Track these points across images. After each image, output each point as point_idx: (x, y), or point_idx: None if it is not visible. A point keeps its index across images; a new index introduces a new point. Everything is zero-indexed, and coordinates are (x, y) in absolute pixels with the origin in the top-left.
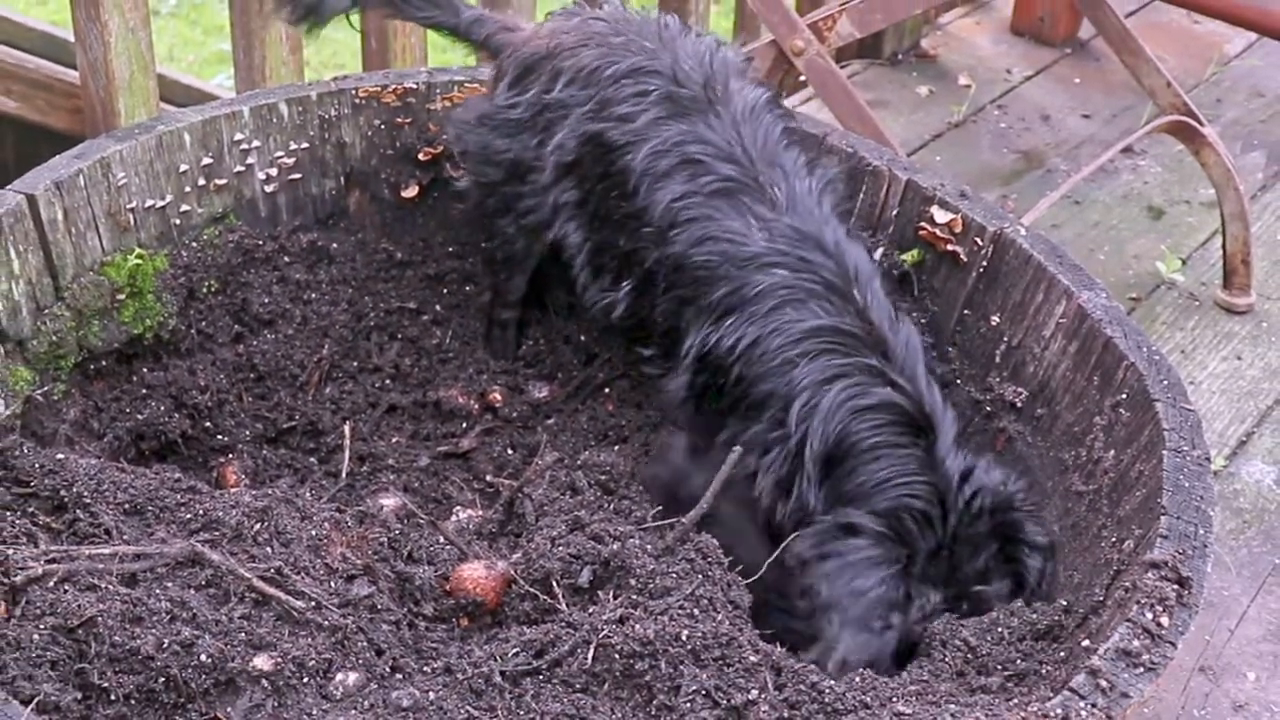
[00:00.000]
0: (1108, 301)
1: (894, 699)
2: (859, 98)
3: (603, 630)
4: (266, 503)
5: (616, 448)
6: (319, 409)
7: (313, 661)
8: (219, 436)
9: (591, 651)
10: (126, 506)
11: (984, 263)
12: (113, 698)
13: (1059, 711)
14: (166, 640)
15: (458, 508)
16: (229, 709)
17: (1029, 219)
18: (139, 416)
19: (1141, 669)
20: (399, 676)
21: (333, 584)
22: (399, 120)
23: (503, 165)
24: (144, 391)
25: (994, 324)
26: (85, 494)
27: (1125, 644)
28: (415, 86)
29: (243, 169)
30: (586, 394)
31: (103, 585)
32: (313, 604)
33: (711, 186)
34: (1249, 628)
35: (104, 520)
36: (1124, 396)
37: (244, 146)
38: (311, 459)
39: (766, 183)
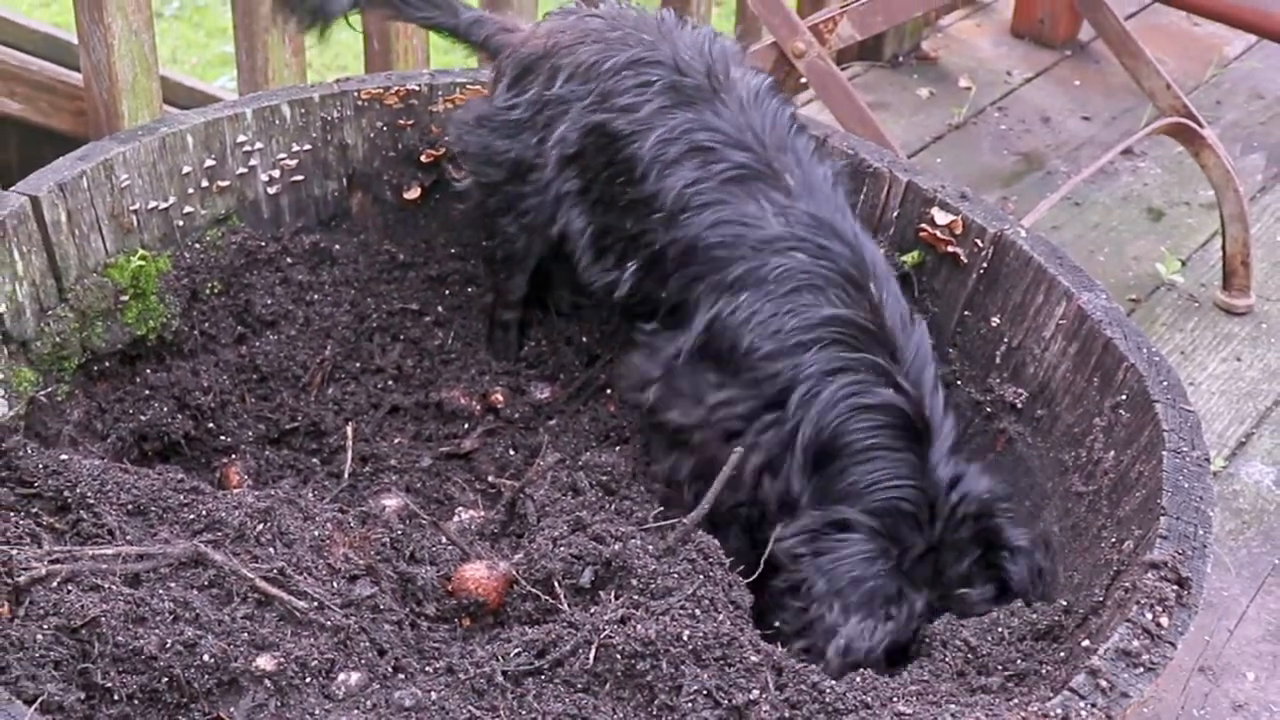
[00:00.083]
0: (1108, 303)
1: (895, 699)
2: (860, 99)
3: (604, 630)
4: (269, 503)
5: (618, 448)
6: (321, 410)
7: (315, 661)
8: (222, 437)
9: (593, 651)
10: (130, 507)
11: (984, 264)
12: (116, 698)
13: (1059, 711)
14: (170, 640)
15: (460, 508)
16: (232, 709)
17: (1029, 220)
18: (142, 417)
19: (1141, 669)
20: (401, 676)
21: (335, 584)
22: (401, 122)
23: (504, 165)
24: (147, 392)
25: (994, 325)
26: (89, 494)
27: (1125, 644)
28: (417, 88)
29: (245, 171)
30: (588, 395)
31: (106, 585)
32: (315, 604)
33: (725, 173)
34: (1248, 628)
35: (107, 521)
36: (1124, 397)
37: (247, 148)
38: (314, 460)
39: (780, 169)
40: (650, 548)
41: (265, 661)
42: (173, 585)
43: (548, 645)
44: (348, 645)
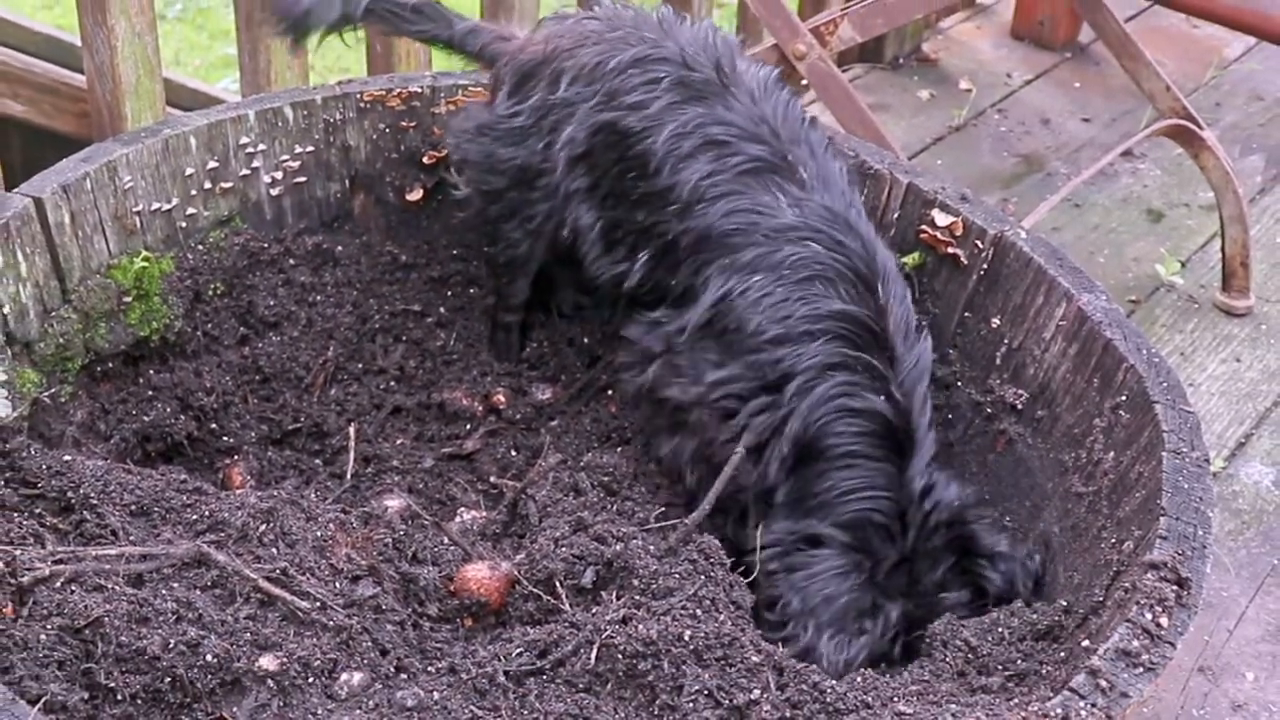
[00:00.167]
0: (1107, 304)
1: (895, 699)
2: (860, 101)
3: (606, 630)
4: (272, 504)
5: (619, 449)
6: (324, 411)
7: (318, 661)
8: (225, 438)
9: (595, 651)
10: (133, 508)
11: (984, 265)
12: (119, 697)
13: (1059, 711)
14: (172, 640)
15: (462, 509)
16: (234, 709)
17: (1029, 222)
18: (145, 418)
19: (1141, 669)
20: (403, 676)
21: (338, 584)
22: (404, 124)
23: (508, 173)
24: (150, 393)
25: (994, 326)
26: (92, 495)
27: (1125, 644)
28: (420, 90)
29: (248, 172)
30: (589, 396)
31: (109, 586)
32: (318, 604)
33: (740, 166)
34: (1248, 628)
35: (110, 521)
36: (1124, 398)
37: (249, 150)
38: (316, 460)
39: (795, 161)
40: (652, 548)
41: (268, 661)
42: (176, 585)
43: (549, 645)
44: (350, 645)
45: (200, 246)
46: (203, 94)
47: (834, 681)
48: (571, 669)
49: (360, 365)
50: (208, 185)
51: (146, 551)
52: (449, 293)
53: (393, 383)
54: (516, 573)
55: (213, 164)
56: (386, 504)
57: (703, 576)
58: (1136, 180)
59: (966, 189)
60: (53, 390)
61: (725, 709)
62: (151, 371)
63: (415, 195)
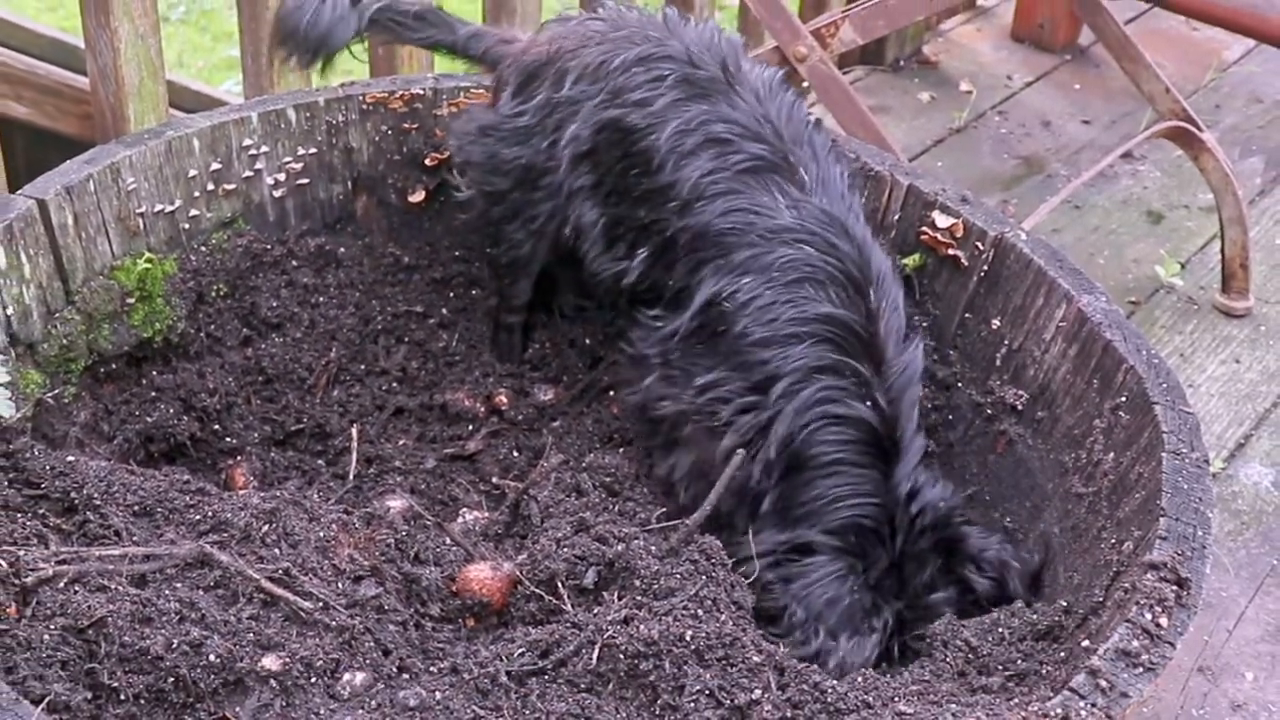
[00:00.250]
0: (1107, 305)
1: (896, 699)
2: (861, 103)
3: (607, 631)
4: (274, 504)
5: (621, 450)
6: (326, 412)
7: (320, 661)
8: (227, 439)
9: (596, 652)
10: (136, 508)
11: (985, 267)
12: (122, 697)
13: (1059, 711)
14: (175, 640)
15: (464, 509)
16: (237, 709)
17: (1029, 224)
18: (148, 419)
19: (1141, 669)
20: (406, 676)
21: (340, 585)
22: (406, 126)
23: (511, 173)
24: (153, 394)
25: (995, 327)
26: (95, 496)
27: (1125, 644)
28: (422, 92)
29: (251, 174)
30: (591, 397)
31: (112, 586)
32: (320, 605)
33: (741, 164)
34: (1247, 628)
35: (114, 522)
36: (1123, 399)
37: (252, 152)
38: (319, 461)
39: (796, 163)
40: (653, 549)
41: (270, 661)
42: (179, 586)
43: (551, 645)
44: (352, 645)
45: (203, 248)
46: (206, 96)
47: (835, 681)
48: (573, 669)
49: (363, 366)
50: (211, 187)
51: (149, 552)
52: (451, 294)
53: (395, 384)
54: (518, 573)
55: (216, 166)
56: (389, 504)
57: (704, 577)
58: (1136, 182)
59: (967, 191)
60: (56, 391)
61: (727, 709)
62: (155, 372)
63: (417, 197)
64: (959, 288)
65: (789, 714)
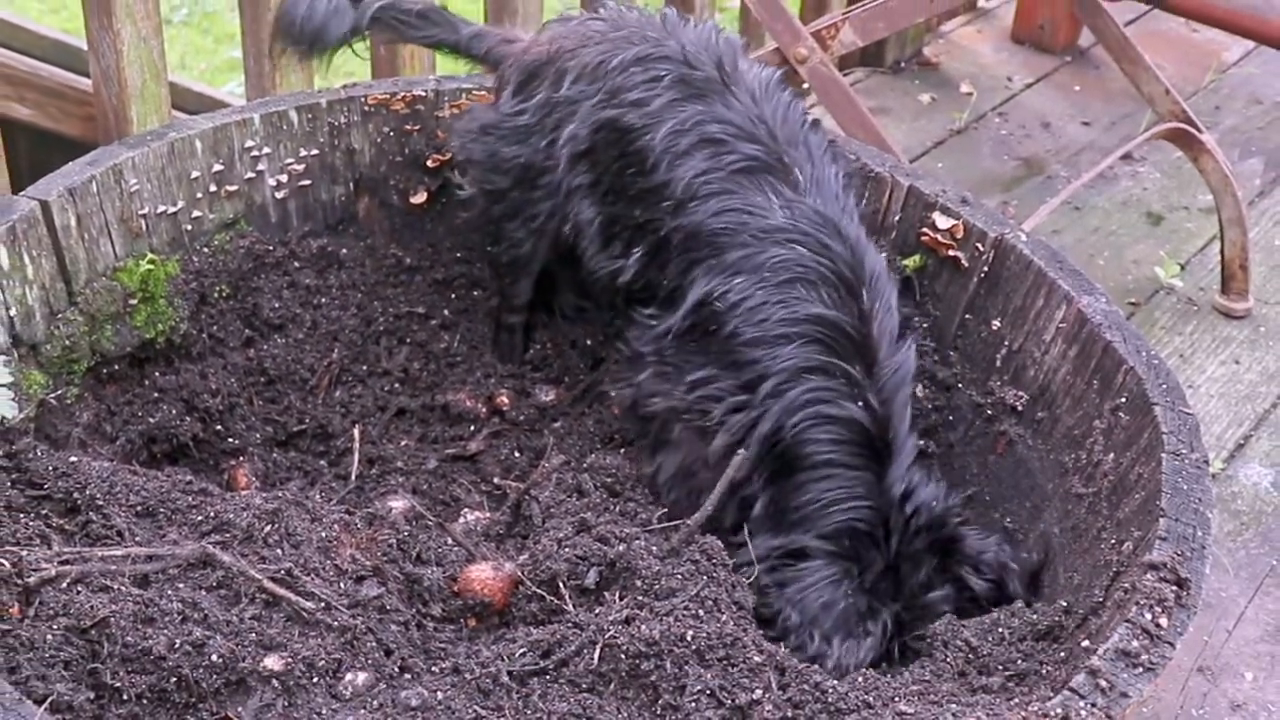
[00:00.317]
0: (1107, 306)
1: (896, 698)
2: (862, 105)
3: (609, 631)
4: (277, 505)
5: (622, 451)
6: (328, 412)
7: (322, 662)
8: (230, 439)
9: (598, 652)
10: (139, 509)
11: (985, 268)
12: (125, 697)
13: (1059, 711)
14: (178, 641)
15: (465, 510)
16: (240, 709)
17: (1029, 225)
18: (151, 420)
19: (1141, 669)
20: (407, 676)
21: (342, 585)
22: (408, 127)
23: (511, 172)
24: (156, 395)
25: (995, 328)
26: (98, 496)
27: (1124, 644)
28: (424, 94)
29: (253, 175)
30: (592, 398)
31: (115, 586)
32: (322, 605)
33: (735, 164)
34: (1246, 628)
35: (116, 522)
36: (1123, 400)
37: (255, 153)
38: (321, 462)
39: (791, 163)
40: (654, 549)
41: (273, 661)
42: (181, 586)
43: (553, 645)
44: (354, 645)
45: (205, 249)
46: (208, 98)
47: (835, 682)
48: (575, 669)
49: (365, 367)
50: (213, 188)
51: (152, 552)
52: (453, 295)
53: (397, 384)
54: (520, 573)
55: (218, 167)
56: (391, 505)
57: (705, 577)
58: (1136, 183)
59: (967, 192)
60: (59, 392)
61: (727, 709)
62: (157, 373)
63: (419, 198)
64: (959, 289)
65: (790, 714)
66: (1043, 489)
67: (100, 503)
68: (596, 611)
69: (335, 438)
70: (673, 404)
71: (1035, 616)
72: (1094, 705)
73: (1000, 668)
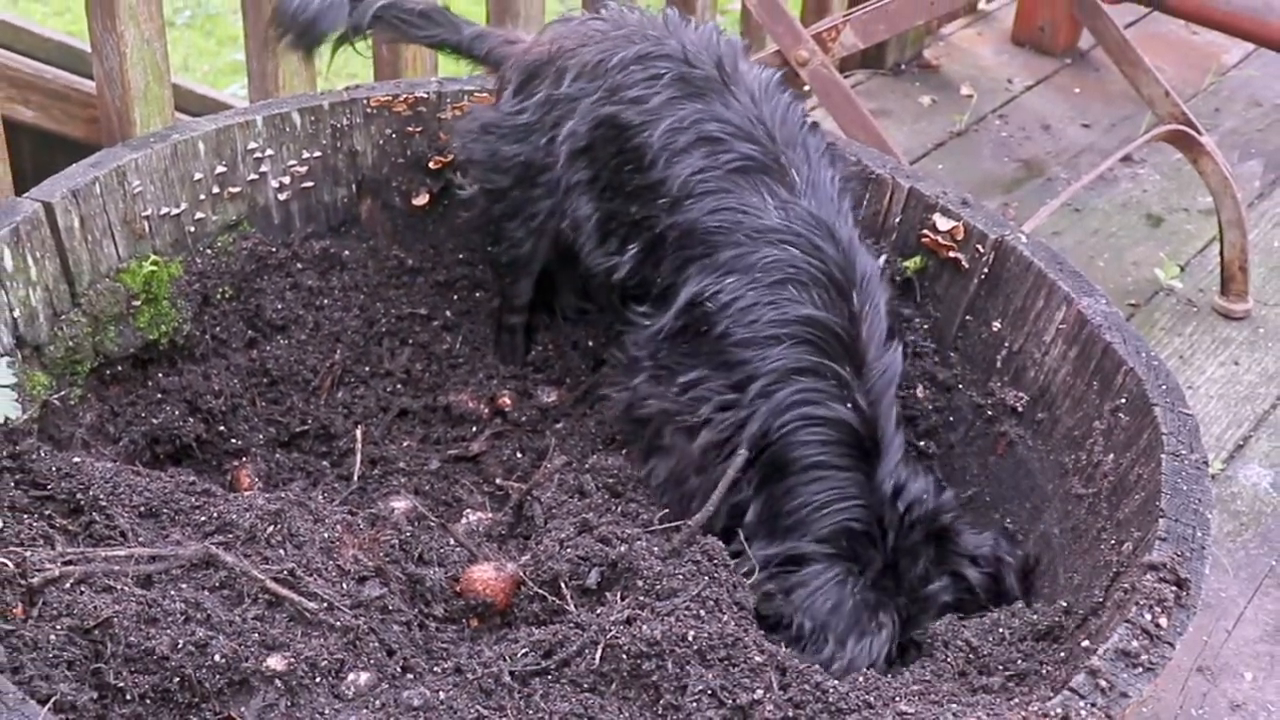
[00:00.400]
0: (1107, 307)
1: (897, 698)
2: (862, 107)
3: (610, 631)
4: (279, 505)
5: (624, 452)
6: (331, 413)
7: (325, 662)
8: (233, 440)
9: (599, 652)
10: (142, 509)
11: (985, 269)
12: (128, 697)
13: (1059, 711)
14: (181, 641)
15: (467, 510)
16: (243, 708)
17: (1030, 226)
18: (154, 420)
19: (1140, 669)
20: (410, 676)
21: (345, 585)
22: (410, 129)
23: (511, 171)
24: (159, 396)
25: (995, 329)
26: (101, 497)
27: (1124, 644)
28: (426, 96)
29: (256, 177)
30: (594, 399)
31: (118, 587)
32: (325, 605)
33: (731, 163)
34: (1246, 628)
35: (120, 523)
36: (1123, 401)
37: (257, 155)
38: (324, 462)
39: (787, 164)
40: (656, 549)
41: (275, 662)
42: (184, 586)
43: (554, 646)
44: (357, 646)
45: (208, 251)
46: (211, 100)
47: (836, 682)
48: (576, 669)
49: (367, 368)
50: (216, 190)
51: (155, 553)
52: (455, 297)
53: (399, 385)
54: (522, 574)
55: (221, 169)
56: (393, 505)
57: (706, 578)
58: (1136, 185)
59: (968, 194)
60: (62, 393)
61: (729, 709)
62: (160, 374)
63: (421, 200)
64: (960, 290)
65: (791, 714)
66: (1043, 490)
67: (103, 503)
68: (598, 612)
69: (338, 438)
70: (665, 406)
71: (1035, 617)
72: (1094, 705)
73: (1000, 668)
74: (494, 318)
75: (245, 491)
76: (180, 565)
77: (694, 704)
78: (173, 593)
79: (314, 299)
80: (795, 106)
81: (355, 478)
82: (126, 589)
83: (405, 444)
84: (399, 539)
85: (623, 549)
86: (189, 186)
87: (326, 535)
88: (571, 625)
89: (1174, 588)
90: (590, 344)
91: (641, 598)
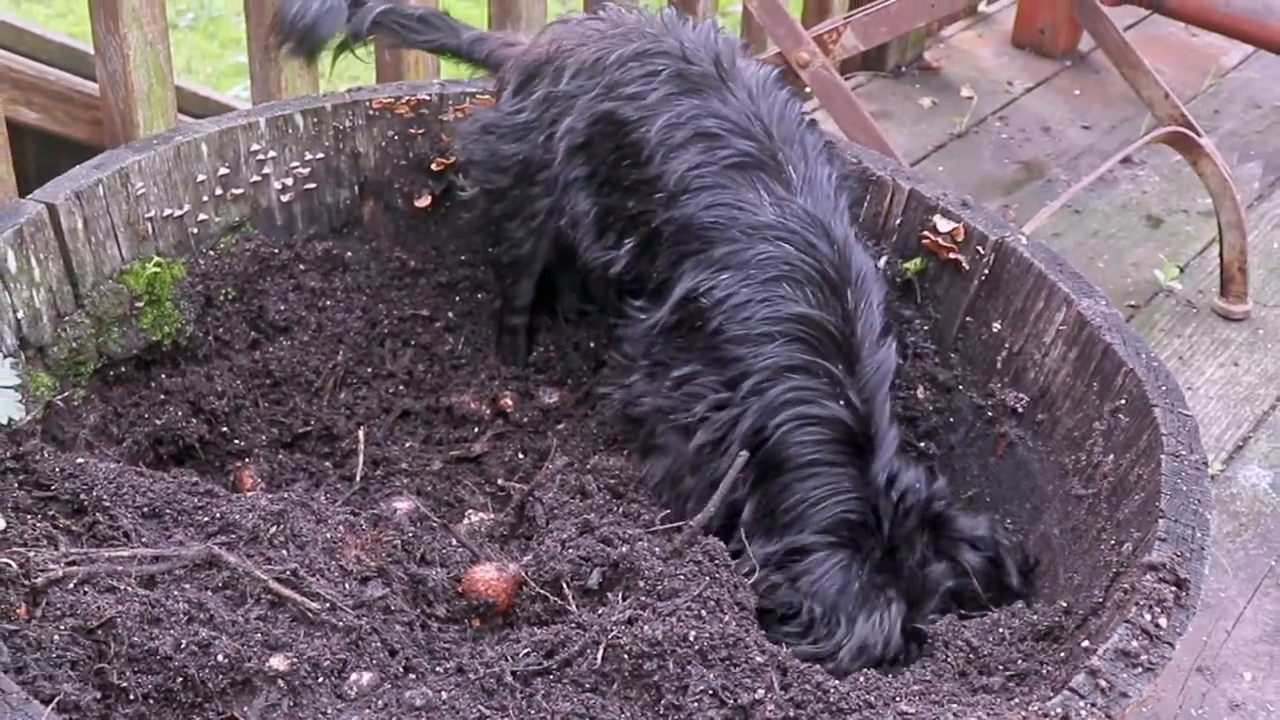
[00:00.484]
0: (1107, 309)
1: (897, 698)
2: (863, 109)
3: (612, 631)
4: (282, 506)
5: (625, 452)
6: (334, 414)
7: (327, 662)
8: (236, 441)
9: (601, 652)
10: (145, 510)
11: (985, 271)
12: (131, 697)
13: (1059, 711)
14: (184, 641)
15: (469, 511)
16: (245, 708)
17: (1030, 228)
18: (157, 421)
19: (1140, 669)
20: (412, 676)
21: (347, 586)
22: (412, 131)
23: (511, 170)
24: (162, 397)
25: (995, 331)
26: (105, 497)
27: (1124, 644)
28: (428, 98)
29: (259, 179)
30: (596, 400)
31: (122, 587)
32: (328, 605)
33: (728, 159)
34: (1245, 629)
35: (123, 523)
36: (1123, 402)
37: (260, 157)
38: (326, 463)
39: (784, 161)
40: (657, 550)
41: (278, 662)
42: (187, 587)
43: (556, 646)
44: (359, 646)
45: (211, 252)
46: (214, 101)
47: (837, 681)
48: (578, 669)
49: (369, 369)
50: (219, 191)
51: (158, 553)
52: (457, 298)
53: (401, 386)
54: (524, 574)
55: (224, 171)
56: (395, 506)
57: (707, 578)
58: (1136, 187)
59: (968, 195)
60: (66, 394)
61: (730, 709)
62: (163, 375)
63: (424, 202)
64: (960, 291)
65: (792, 714)
66: (1043, 490)
67: (107, 504)
68: (600, 612)
69: (340, 439)
70: (659, 403)
71: (1035, 617)
72: (1094, 705)
73: (1001, 668)
74: (496, 319)
75: (248, 492)
76: (183, 566)
77: (695, 704)
78: (176, 593)
79: (316, 300)
80: (793, 103)
81: (358, 478)
82: (130, 589)
83: (407, 445)
84: (401, 539)
85: (624, 549)
86: (192, 188)
87: (329, 536)
88: (573, 625)
89: (1174, 588)
90: (591, 345)
91: (643, 598)
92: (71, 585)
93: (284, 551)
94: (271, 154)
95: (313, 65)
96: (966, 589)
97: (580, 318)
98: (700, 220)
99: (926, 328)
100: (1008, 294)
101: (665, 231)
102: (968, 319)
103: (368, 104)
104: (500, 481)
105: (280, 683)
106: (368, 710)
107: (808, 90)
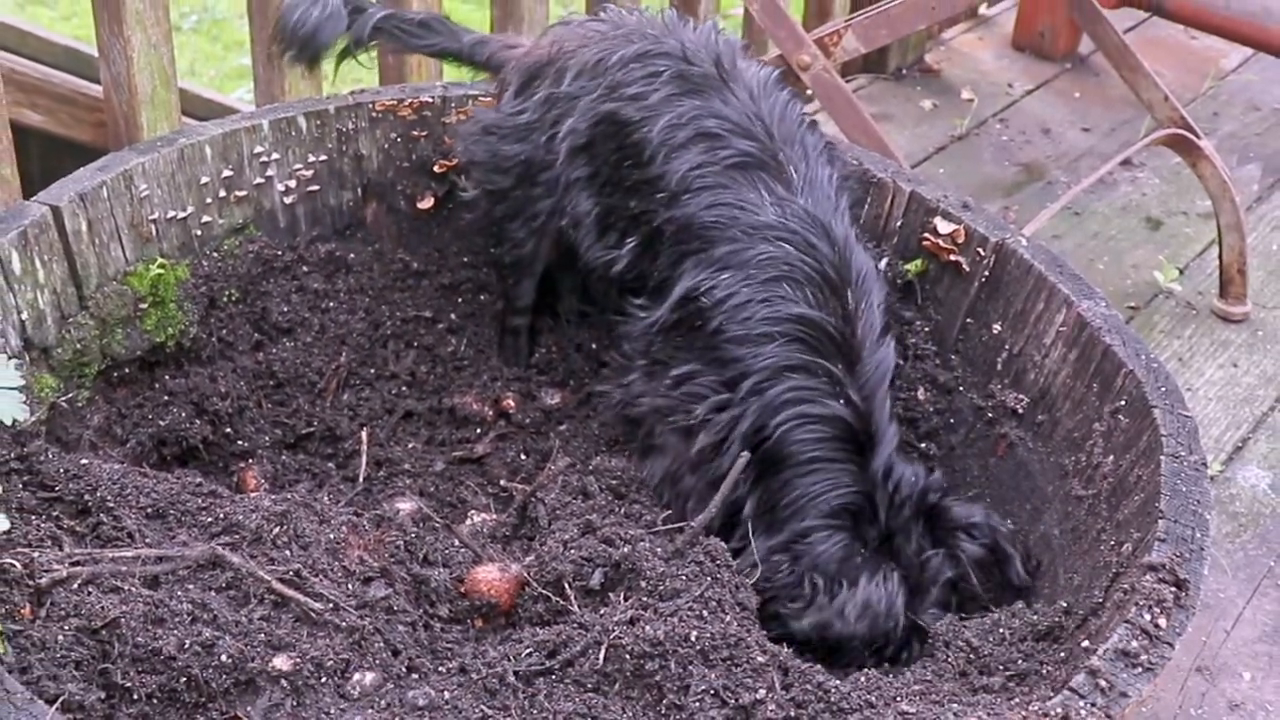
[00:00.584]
0: (1107, 310)
1: (898, 698)
2: (864, 111)
3: (614, 631)
4: (285, 507)
5: (627, 453)
6: (337, 415)
7: (331, 662)
8: (239, 442)
9: (603, 652)
10: (149, 510)
11: (986, 272)
12: (135, 697)
13: (1059, 711)
14: (188, 641)
15: (472, 511)
16: (249, 708)
17: (1030, 230)
18: (161, 422)
19: (1140, 669)
20: (415, 676)
21: (350, 586)
22: (415, 133)
23: (512, 171)
24: (166, 398)
25: (996, 332)
26: (108, 498)
27: (1124, 644)
28: (431, 100)
29: (262, 181)
30: (597, 400)
31: (125, 587)
32: (331, 605)
33: (729, 159)
34: (1245, 629)
35: (127, 524)
36: (1123, 403)
37: (263, 159)
38: (329, 464)
39: (785, 161)
40: (659, 550)
41: (281, 662)
42: (191, 587)
43: (558, 646)
44: (362, 646)
45: (215, 254)
46: (217, 104)
47: (838, 681)
48: (580, 669)
49: (372, 370)
50: (222, 193)
51: (162, 553)
52: (459, 299)
53: (404, 388)
54: (526, 574)
55: (227, 173)
56: (398, 507)
57: (709, 578)
58: (1135, 189)
59: (968, 197)
60: (70, 395)
61: (731, 708)
62: (167, 377)
63: (426, 204)
64: (960, 293)
65: (793, 713)
66: (1043, 491)
67: (111, 505)
68: (601, 612)
69: (343, 440)
70: (657, 404)
71: (1035, 617)
72: (1094, 705)
73: (1001, 668)
74: (498, 320)
75: (251, 493)
76: (187, 566)
77: (697, 704)
78: (179, 593)
79: (320, 302)
80: (793, 104)
81: (361, 479)
82: (134, 589)
83: (410, 446)
84: (404, 540)
85: (626, 550)
86: (195, 190)
87: (332, 536)
88: (575, 626)
89: (1173, 588)
90: (593, 346)
91: (645, 598)
92: (76, 586)
93: (287, 552)
94: (275, 156)
95: (315, 71)
96: (966, 578)
97: (581, 319)
98: (701, 220)
99: (927, 329)
100: (1008, 296)
101: (666, 231)
102: (968, 320)
103: (371, 106)
104: (503, 482)
105: (283, 683)
106: (371, 710)
107: (809, 92)
